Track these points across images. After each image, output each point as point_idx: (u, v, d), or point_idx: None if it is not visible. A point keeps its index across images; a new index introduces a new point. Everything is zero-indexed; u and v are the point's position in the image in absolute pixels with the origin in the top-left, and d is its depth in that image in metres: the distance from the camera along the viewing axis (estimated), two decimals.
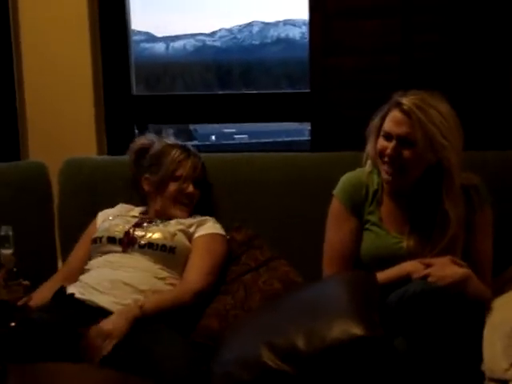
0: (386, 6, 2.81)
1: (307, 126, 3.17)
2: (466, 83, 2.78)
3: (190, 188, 2.56)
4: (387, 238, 2.31)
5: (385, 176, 2.28)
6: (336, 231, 2.37)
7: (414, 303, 1.98)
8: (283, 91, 3.44)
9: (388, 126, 2.26)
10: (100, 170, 2.78)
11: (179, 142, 2.66)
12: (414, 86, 2.34)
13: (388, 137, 2.25)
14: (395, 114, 2.25)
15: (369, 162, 2.38)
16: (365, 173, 2.39)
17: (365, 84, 2.86)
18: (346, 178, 2.40)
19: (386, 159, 2.25)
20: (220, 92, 3.64)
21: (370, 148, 2.36)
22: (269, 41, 4.49)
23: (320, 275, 2.37)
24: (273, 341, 1.93)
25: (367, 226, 2.35)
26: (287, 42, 4.30)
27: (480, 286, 2.19)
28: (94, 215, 2.67)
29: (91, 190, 2.75)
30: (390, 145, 2.23)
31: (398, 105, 2.25)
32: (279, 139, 5.15)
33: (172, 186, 2.55)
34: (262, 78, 4.46)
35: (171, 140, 2.68)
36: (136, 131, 3.21)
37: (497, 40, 2.78)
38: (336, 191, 2.39)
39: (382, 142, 2.28)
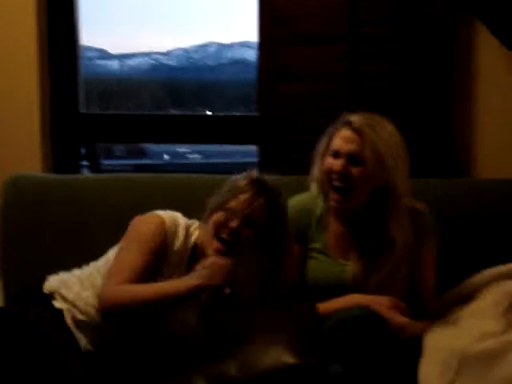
0: (334, 34, 2.84)
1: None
2: (409, 112, 2.82)
3: (234, 223, 2.19)
4: (332, 264, 2.28)
5: (332, 203, 2.24)
6: None
7: (351, 326, 1.99)
8: (233, 114, 3.45)
9: (337, 143, 2.22)
10: (45, 188, 2.74)
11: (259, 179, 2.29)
12: None
13: (336, 154, 2.22)
14: (344, 132, 2.22)
15: (313, 185, 2.34)
16: (310, 197, 2.35)
17: (312, 110, 2.88)
18: (290, 204, 2.36)
19: (334, 176, 2.20)
20: (170, 113, 3.63)
21: (316, 170, 2.32)
22: (224, 62, 4.51)
23: None
24: (207, 369, 1.94)
25: (312, 253, 2.31)
26: (243, 63, 4.32)
27: (416, 331, 2.17)
28: (38, 233, 2.63)
29: (35, 208, 2.70)
30: (339, 162, 2.20)
31: (348, 123, 2.22)
32: (233, 160, 5.15)
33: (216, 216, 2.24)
34: (216, 98, 4.47)
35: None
36: (83, 150, 3.19)
37: (441, 71, 2.82)
38: None
39: (329, 160, 2.23)
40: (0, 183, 2.75)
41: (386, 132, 2.21)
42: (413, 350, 2.09)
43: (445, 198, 2.55)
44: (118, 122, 3.19)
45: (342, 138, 2.22)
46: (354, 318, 2.00)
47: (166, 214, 2.26)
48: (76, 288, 2.24)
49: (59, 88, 3.10)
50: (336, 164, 2.20)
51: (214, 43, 4.56)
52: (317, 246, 2.31)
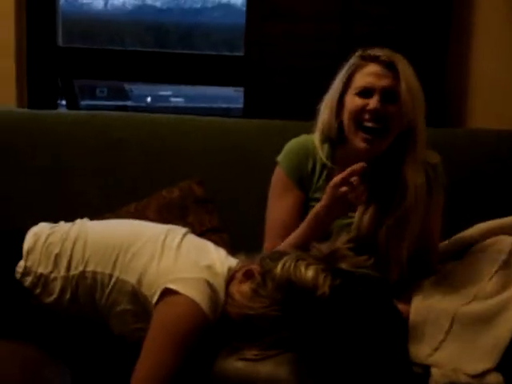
0: None
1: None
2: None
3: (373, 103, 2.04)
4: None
5: (361, 144, 2.01)
6: (278, 203, 2.14)
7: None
8: (218, 53, 3.33)
9: (366, 80, 2.01)
10: (20, 123, 2.61)
11: None
12: None
13: (366, 92, 2.01)
14: (372, 67, 2.02)
15: (318, 132, 2.13)
16: (312, 141, 2.14)
17: (301, 52, 2.77)
18: (291, 146, 2.16)
19: (366, 117, 1.99)
20: (151, 49, 3.50)
21: (327, 117, 2.10)
22: (210, 5, 4.42)
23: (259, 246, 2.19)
24: None
25: (313, 203, 2.06)
26: (228, 7, 4.24)
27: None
28: (12, 170, 2.54)
29: (9, 145, 2.57)
30: (372, 100, 1.99)
31: (374, 58, 2.03)
32: (215, 105, 5.10)
33: None
34: (200, 42, 4.40)
35: None
36: (60, 85, 3.06)
37: (438, 18, 2.73)
38: (281, 159, 2.16)
39: (356, 101, 2.01)
40: None
41: (410, 67, 2.05)
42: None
43: (438, 148, 2.45)
44: (98, 57, 3.05)
45: (371, 74, 2.02)
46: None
47: (204, 294, 1.80)
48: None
49: (37, 20, 2.95)
50: (371, 102, 2.00)
51: None
52: (320, 195, 2.06)
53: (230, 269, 1.89)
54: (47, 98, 2.81)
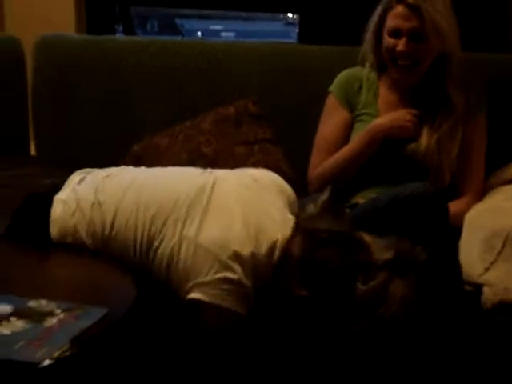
0: None
1: (294, 28, 3.05)
2: None
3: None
4: None
5: (396, 75, 2.24)
6: (327, 121, 2.33)
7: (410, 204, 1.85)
8: None
9: (395, 22, 2.19)
10: (78, 48, 2.64)
11: None
12: None
13: (396, 33, 2.19)
14: (400, 9, 2.18)
15: (367, 64, 2.33)
16: (360, 70, 2.34)
17: None
18: (340, 74, 2.36)
19: (398, 55, 2.19)
20: None
21: (368, 48, 2.30)
22: None
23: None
24: None
25: (362, 117, 2.30)
26: None
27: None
28: (69, 93, 2.58)
29: (67, 69, 2.62)
30: (401, 42, 2.18)
31: (401, 0, 2.18)
32: (266, 40, 5.05)
33: None
34: None
35: None
36: (117, 12, 3.09)
37: None
38: (331, 87, 2.35)
39: (389, 40, 2.20)
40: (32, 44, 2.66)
41: (439, 1, 2.19)
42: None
43: (499, 74, 2.42)
44: None
45: (398, 16, 2.18)
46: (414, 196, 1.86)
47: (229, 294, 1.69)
48: None
49: None
50: (399, 44, 2.18)
51: None
52: (368, 110, 2.30)
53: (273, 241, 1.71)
54: (105, 24, 2.83)
